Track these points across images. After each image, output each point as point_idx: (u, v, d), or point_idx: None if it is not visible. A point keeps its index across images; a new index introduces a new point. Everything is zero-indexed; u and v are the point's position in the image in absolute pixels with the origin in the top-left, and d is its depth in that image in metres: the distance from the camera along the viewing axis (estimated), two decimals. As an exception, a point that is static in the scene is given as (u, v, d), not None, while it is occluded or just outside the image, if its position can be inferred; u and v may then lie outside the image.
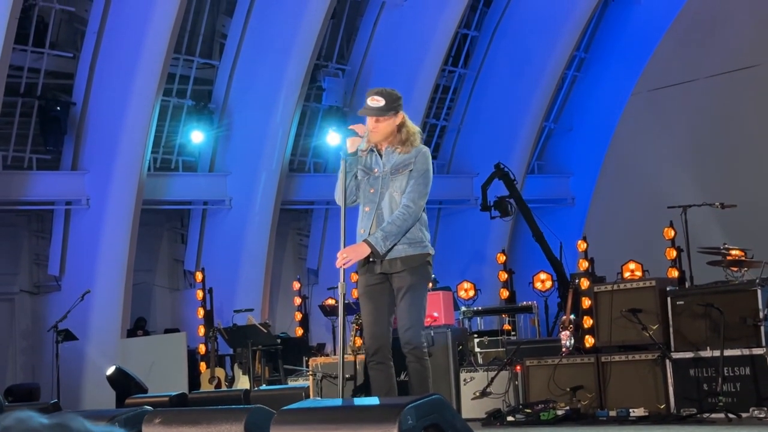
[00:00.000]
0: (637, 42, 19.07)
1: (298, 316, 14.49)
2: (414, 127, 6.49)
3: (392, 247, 6.21)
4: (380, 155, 6.43)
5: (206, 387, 13.17)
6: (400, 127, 6.42)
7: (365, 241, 6.33)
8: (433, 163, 19.29)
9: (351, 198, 6.44)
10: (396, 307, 6.30)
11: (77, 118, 16.98)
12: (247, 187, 19.38)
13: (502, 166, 14.10)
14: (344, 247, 6.34)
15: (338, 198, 6.47)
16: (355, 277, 8.55)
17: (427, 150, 6.46)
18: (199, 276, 16.31)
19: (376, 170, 6.51)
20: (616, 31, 21.70)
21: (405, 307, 6.25)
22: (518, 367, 9.79)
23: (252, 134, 19.18)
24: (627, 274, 12.05)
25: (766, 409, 8.30)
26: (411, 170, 6.37)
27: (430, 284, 8.69)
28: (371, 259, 6.18)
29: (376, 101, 6.35)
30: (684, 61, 18.12)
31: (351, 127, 6.48)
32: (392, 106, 6.42)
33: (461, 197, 19.19)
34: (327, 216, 18.77)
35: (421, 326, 6.29)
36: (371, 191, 6.36)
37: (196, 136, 19.04)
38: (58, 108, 16.69)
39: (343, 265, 6.27)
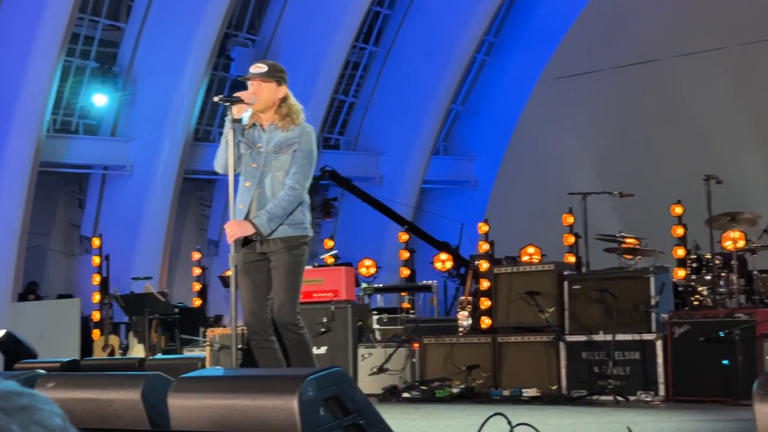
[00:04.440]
0: (546, 29, 19.41)
1: (197, 286, 14.29)
2: (297, 105, 6.53)
3: (276, 229, 6.25)
4: (263, 130, 6.45)
5: (99, 355, 13.09)
6: (283, 101, 6.41)
7: (249, 221, 6.34)
8: (339, 140, 19.22)
9: (227, 167, 6.46)
10: (272, 285, 6.19)
11: (-25, 75, 14.52)
12: (149, 154, 19.03)
13: (328, 168, 13.99)
14: (233, 219, 6.39)
15: (219, 165, 6.54)
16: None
17: (311, 129, 6.49)
18: (96, 242, 15.84)
19: (259, 145, 6.49)
20: (526, 17, 21.88)
21: (281, 285, 6.33)
22: (416, 345, 9.90)
23: (157, 100, 18.76)
24: (525, 258, 12.20)
25: (653, 392, 8.51)
26: (295, 150, 6.38)
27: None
28: (253, 238, 6.14)
29: (259, 68, 6.42)
30: (591, 51, 18.43)
31: (237, 94, 6.49)
32: (275, 74, 6.46)
33: (367, 175, 19.29)
34: (231, 188, 17.96)
35: (296, 304, 6.39)
36: (253, 165, 6.40)
37: (99, 99, 18.78)
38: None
39: (233, 241, 6.38)
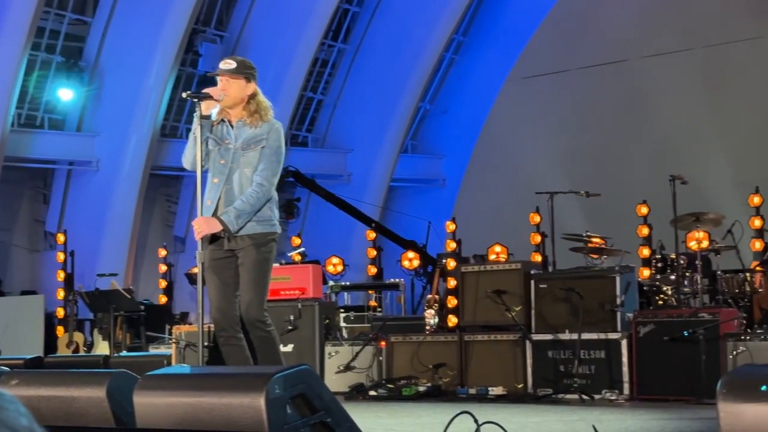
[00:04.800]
0: (514, 29, 19.69)
1: (163, 283, 14.41)
2: (266, 101, 6.52)
3: (243, 226, 6.33)
4: (231, 126, 6.44)
5: (63, 351, 13.06)
6: (251, 97, 6.43)
7: (217, 217, 6.36)
8: (307, 137, 19.07)
9: (194, 164, 6.42)
10: (240, 282, 6.30)
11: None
12: (116, 150, 19.00)
13: (291, 169, 14.00)
14: (200, 215, 6.42)
15: (188, 162, 6.51)
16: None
17: (279, 125, 6.50)
18: (60, 238, 15.94)
19: (227, 141, 6.49)
20: (495, 17, 22.18)
21: (248, 282, 6.36)
22: (383, 343, 9.94)
23: (124, 96, 18.73)
24: (492, 257, 12.31)
25: (617, 391, 8.62)
26: (263, 147, 6.40)
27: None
28: (221, 235, 6.24)
29: (228, 64, 6.40)
30: (559, 51, 18.67)
31: (205, 90, 6.47)
32: (244, 71, 6.45)
33: (334, 172, 19.38)
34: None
35: (263, 301, 6.41)
36: (221, 162, 6.42)
37: (65, 94, 18.70)
38: None
39: (200, 238, 6.40)
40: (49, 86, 18.15)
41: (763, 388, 3.68)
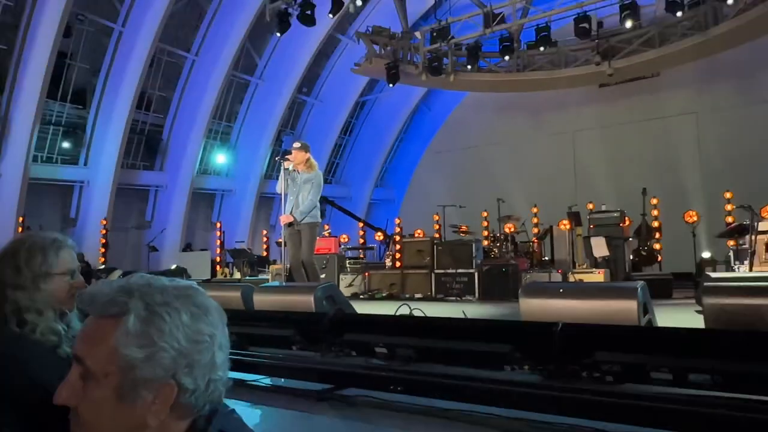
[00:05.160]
0: (430, 126, 18.75)
1: (264, 246, 14.58)
2: (314, 161, 6.23)
3: (303, 217, 6.13)
4: (298, 173, 6.17)
5: (219, 277, 13.00)
6: (307, 159, 6.19)
7: (291, 215, 6.03)
8: (331, 179, 17.86)
9: (281, 190, 6.12)
10: (302, 247, 6.26)
11: None
12: (245, 185, 16.91)
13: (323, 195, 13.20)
14: (283, 213, 6.10)
15: (279, 189, 6.24)
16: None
17: (321, 174, 6.20)
18: (218, 225, 14.63)
19: (297, 179, 6.12)
20: (422, 119, 19.56)
21: (305, 245, 6.12)
22: (366, 273, 10.02)
23: (250, 160, 16.67)
24: (417, 234, 12.03)
25: (473, 296, 8.47)
26: (312, 182, 6.11)
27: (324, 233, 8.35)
28: (292, 222, 6.14)
29: (296, 144, 6.22)
30: (449, 138, 18.18)
31: (286, 156, 6.12)
32: (303, 147, 6.17)
33: (343, 195, 18.41)
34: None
35: (312, 254, 6.15)
36: (293, 189, 6.14)
37: (220, 158, 16.58)
38: None
39: (284, 224, 6.01)
40: (214, 153, 16.90)
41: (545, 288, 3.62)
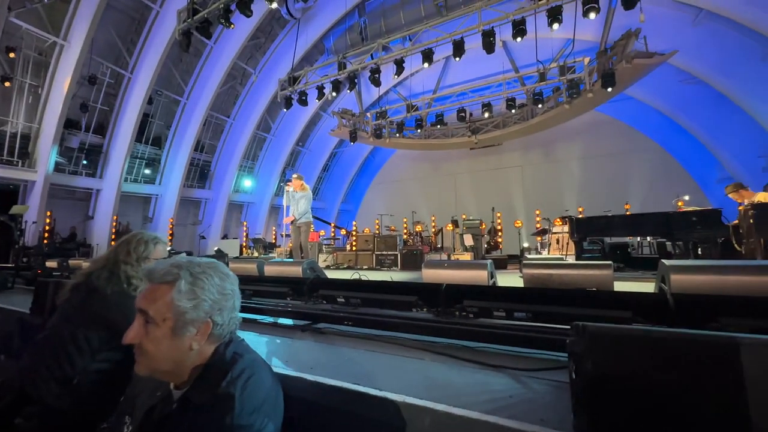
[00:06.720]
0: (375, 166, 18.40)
1: (274, 237, 13.25)
2: (306, 185, 5.65)
3: (300, 218, 5.69)
4: (296, 192, 5.67)
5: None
6: (302, 183, 5.73)
7: (293, 217, 5.58)
8: (314, 196, 15.21)
9: (286, 203, 5.83)
10: (300, 237, 5.83)
11: None
12: (263, 196, 15.09)
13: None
14: (286, 217, 5.67)
15: (284, 203, 5.73)
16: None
17: (310, 191, 5.70)
18: (245, 224, 13.31)
19: (295, 196, 5.61)
20: (372, 159, 17.83)
21: (303, 236, 5.66)
22: (335, 254, 9.22)
23: (266, 184, 15.00)
24: (366, 231, 11.04)
25: (396, 267, 7.52)
26: (305, 198, 5.54)
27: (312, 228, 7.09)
28: (293, 221, 5.75)
29: (294, 174, 5.72)
30: (389, 171, 17.38)
31: (289, 184, 5.67)
32: (300, 177, 5.60)
33: (321, 207, 17.16)
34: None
35: (308, 242, 5.78)
36: (293, 202, 5.58)
37: (248, 182, 14.58)
38: None
39: (288, 222, 5.53)
40: (243, 179, 14.99)
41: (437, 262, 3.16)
